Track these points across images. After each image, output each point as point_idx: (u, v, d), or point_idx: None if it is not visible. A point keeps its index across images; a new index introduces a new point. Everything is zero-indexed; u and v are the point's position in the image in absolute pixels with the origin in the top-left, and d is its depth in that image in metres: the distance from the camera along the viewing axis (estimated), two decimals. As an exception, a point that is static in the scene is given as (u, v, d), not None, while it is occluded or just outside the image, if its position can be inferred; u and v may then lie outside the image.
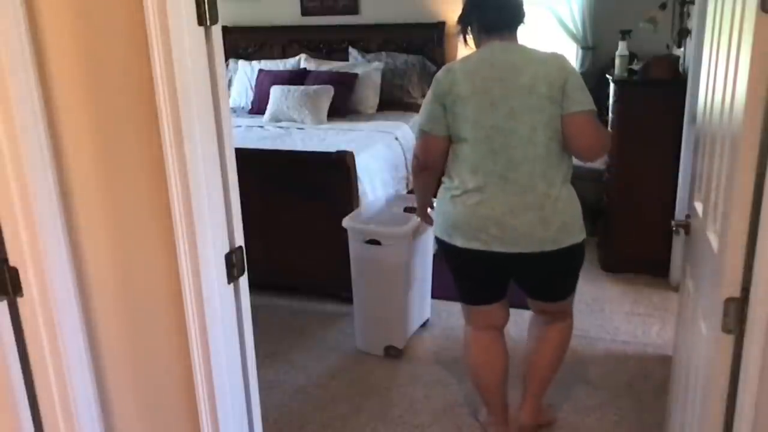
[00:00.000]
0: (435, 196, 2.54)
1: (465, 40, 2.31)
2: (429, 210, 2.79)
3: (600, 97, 3.15)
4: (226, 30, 4.82)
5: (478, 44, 2.26)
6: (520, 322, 2.68)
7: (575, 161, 2.25)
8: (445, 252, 2.32)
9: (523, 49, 2.20)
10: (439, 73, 2.23)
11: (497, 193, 2.14)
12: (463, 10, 2.30)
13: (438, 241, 2.32)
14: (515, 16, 2.23)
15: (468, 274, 2.33)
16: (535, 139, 2.11)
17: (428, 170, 2.40)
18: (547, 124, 2.10)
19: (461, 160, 2.20)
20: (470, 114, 2.14)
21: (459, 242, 2.21)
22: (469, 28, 2.28)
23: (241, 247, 1.47)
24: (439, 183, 2.39)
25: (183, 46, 1.26)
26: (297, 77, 4.80)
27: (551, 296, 2.36)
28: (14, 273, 1.40)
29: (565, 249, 2.18)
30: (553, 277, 2.30)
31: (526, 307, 2.52)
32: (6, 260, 1.40)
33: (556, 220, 2.14)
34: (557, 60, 2.15)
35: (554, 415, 2.64)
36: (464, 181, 2.19)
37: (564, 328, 2.45)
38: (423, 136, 2.29)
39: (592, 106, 2.12)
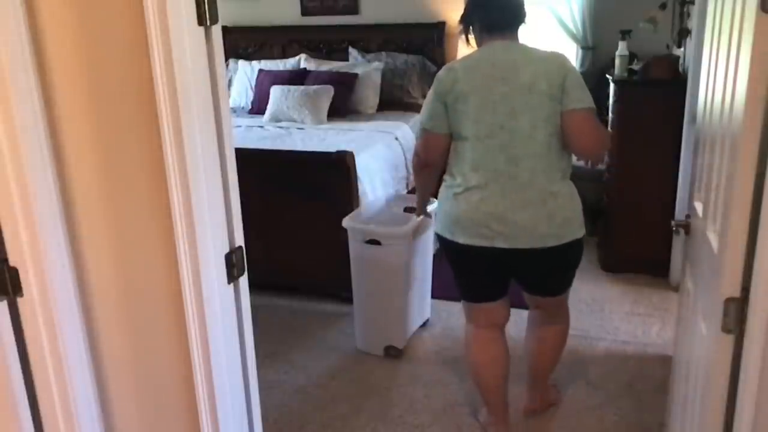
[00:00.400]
0: (435, 196, 2.56)
1: (467, 40, 2.33)
2: (429, 208, 2.81)
3: (600, 97, 3.15)
4: (226, 30, 4.82)
5: (479, 43, 2.28)
6: (519, 322, 2.68)
7: (578, 162, 2.27)
8: (446, 249, 2.33)
9: (524, 48, 2.22)
10: (441, 72, 2.25)
11: (499, 190, 2.16)
12: (465, 9, 2.32)
13: (439, 238, 2.33)
14: (517, 16, 2.24)
15: (470, 271, 2.34)
16: (536, 136, 2.12)
17: (429, 167, 2.43)
18: (547, 121, 2.12)
19: (463, 158, 2.22)
20: (471, 112, 2.16)
21: (461, 239, 2.22)
22: (471, 27, 2.30)
23: (241, 247, 1.47)
24: (439, 180, 2.40)
25: (183, 46, 1.26)
26: (297, 77, 4.80)
27: (550, 291, 2.40)
28: (14, 273, 1.40)
29: (567, 244, 2.20)
30: (553, 271, 2.33)
31: (526, 307, 2.54)
32: (6, 260, 1.40)
33: (559, 215, 2.16)
34: (557, 58, 2.17)
35: (559, 394, 2.71)
36: (466, 178, 2.20)
37: (563, 330, 2.53)
38: (424, 133, 2.31)
39: (591, 103, 2.14)
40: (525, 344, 2.61)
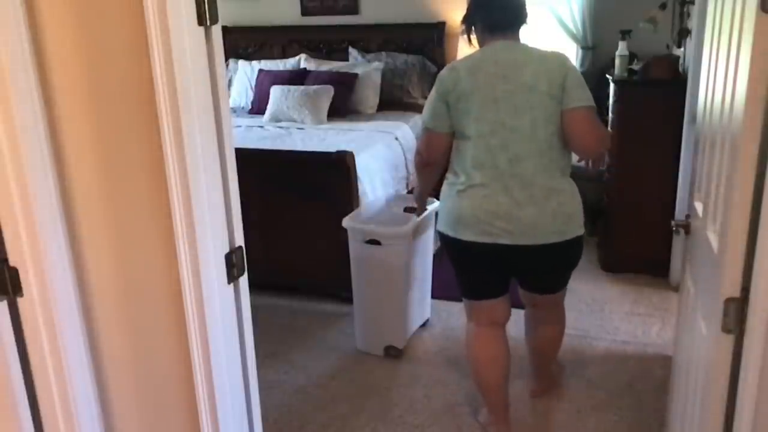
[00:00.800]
0: (434, 196, 2.57)
1: (469, 40, 2.35)
2: (429, 208, 2.83)
3: (600, 97, 3.15)
4: (226, 30, 4.82)
5: (481, 43, 2.31)
6: (519, 322, 2.68)
7: (579, 163, 2.29)
8: (448, 246, 2.33)
9: (525, 47, 2.24)
10: (443, 72, 2.27)
11: (501, 188, 2.17)
12: (467, 10, 2.35)
13: (441, 236, 2.34)
14: (518, 16, 2.26)
15: (472, 268, 2.35)
16: (537, 134, 2.14)
17: (431, 166, 2.46)
18: (548, 120, 2.14)
19: (465, 156, 2.23)
20: (473, 111, 2.17)
21: (465, 236, 2.23)
22: (473, 27, 2.32)
23: (241, 247, 1.47)
24: (440, 180, 2.41)
25: (183, 46, 1.26)
26: (297, 77, 4.80)
27: (549, 289, 2.43)
28: (14, 273, 1.40)
29: (568, 242, 2.22)
30: (554, 268, 2.36)
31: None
32: (6, 260, 1.40)
33: (561, 212, 2.18)
34: (558, 58, 2.19)
35: (562, 370, 2.80)
36: (469, 176, 2.22)
37: (560, 330, 2.60)
38: (426, 132, 2.33)
39: (591, 102, 2.15)
40: (527, 343, 2.64)
